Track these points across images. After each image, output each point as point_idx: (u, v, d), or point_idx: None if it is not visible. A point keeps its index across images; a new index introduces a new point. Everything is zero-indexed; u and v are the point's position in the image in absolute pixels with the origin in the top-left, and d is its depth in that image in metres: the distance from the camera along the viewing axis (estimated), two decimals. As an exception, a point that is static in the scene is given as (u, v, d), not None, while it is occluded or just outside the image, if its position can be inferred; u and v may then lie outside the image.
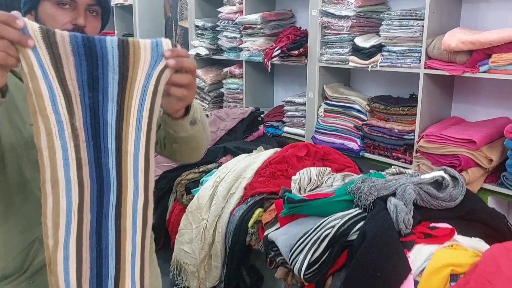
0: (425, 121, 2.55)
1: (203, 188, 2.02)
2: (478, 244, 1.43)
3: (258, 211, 1.86)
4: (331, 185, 1.69)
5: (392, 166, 1.84)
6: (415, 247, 1.36)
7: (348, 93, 3.03)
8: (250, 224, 1.84)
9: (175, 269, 2.00)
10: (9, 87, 0.76)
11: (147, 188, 0.83)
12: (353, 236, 1.41)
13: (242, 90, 3.87)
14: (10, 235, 0.99)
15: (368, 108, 2.82)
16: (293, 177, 1.70)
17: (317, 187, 1.70)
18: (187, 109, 0.92)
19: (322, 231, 1.43)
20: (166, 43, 0.80)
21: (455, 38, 2.22)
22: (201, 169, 2.27)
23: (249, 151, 2.36)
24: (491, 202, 2.32)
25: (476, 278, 1.12)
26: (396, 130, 2.65)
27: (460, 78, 2.61)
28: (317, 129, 3.11)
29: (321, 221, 1.47)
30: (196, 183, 2.22)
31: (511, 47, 2.06)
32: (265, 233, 1.69)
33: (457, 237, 1.42)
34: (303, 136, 3.25)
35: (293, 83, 3.83)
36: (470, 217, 1.55)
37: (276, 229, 1.66)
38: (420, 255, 1.33)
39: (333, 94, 3.04)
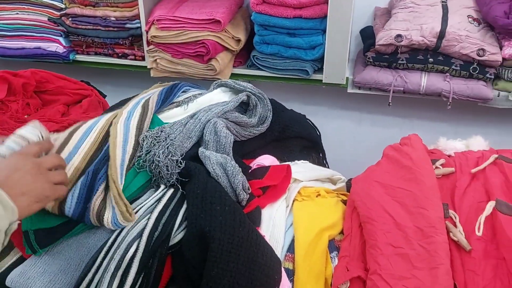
0: (148, 1, 1.94)
1: None
2: (309, 170, 1.11)
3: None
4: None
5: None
6: (263, 217, 0.92)
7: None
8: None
9: None
10: None
11: None
12: (177, 236, 0.84)
13: None
14: None
15: (64, -10, 1.95)
16: None
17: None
18: None
19: (121, 251, 0.79)
20: None
21: None
22: None
23: None
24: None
25: (383, 248, 0.79)
26: (113, 18, 1.95)
27: None
28: (-11, 33, 2.04)
29: (113, 234, 0.82)
30: None
31: None
32: (-5, 273, 0.90)
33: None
34: (-33, 46, 2.11)
35: None
36: (285, 135, 1.19)
37: (17, 261, 0.89)
38: (276, 228, 0.90)
39: (-2, -28, 1.97)
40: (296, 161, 1.15)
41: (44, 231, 0.85)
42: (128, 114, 0.96)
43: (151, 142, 0.90)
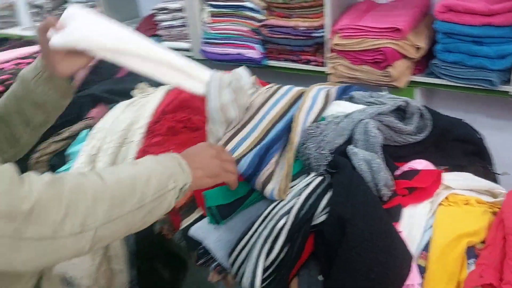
0: (335, 12, 2.09)
1: (75, 169, 1.39)
2: (465, 179, 1.09)
3: (164, 188, 1.32)
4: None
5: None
6: (404, 215, 0.97)
7: (233, -13, 2.39)
8: (157, 209, 1.30)
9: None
10: None
11: None
12: (320, 218, 0.96)
13: (94, 1, 3.00)
14: None
15: (264, 5, 2.25)
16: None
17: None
18: None
19: (273, 222, 0.96)
20: None
21: None
22: (65, 135, 1.60)
23: (127, 93, 1.72)
24: (418, 95, 2.05)
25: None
26: (302, 28, 2.16)
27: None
28: (205, 40, 2.49)
29: (268, 208, 1.00)
30: (61, 156, 1.56)
31: None
32: (183, 224, 1.18)
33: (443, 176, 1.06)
34: (188, 50, 2.62)
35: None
36: (444, 139, 1.19)
37: (198, 218, 1.15)
38: (414, 227, 0.95)
39: (216, -9, 2.39)
40: (456, 172, 1.13)
41: (223, 206, 1.07)
42: (312, 101, 1.15)
43: (307, 136, 1.05)
